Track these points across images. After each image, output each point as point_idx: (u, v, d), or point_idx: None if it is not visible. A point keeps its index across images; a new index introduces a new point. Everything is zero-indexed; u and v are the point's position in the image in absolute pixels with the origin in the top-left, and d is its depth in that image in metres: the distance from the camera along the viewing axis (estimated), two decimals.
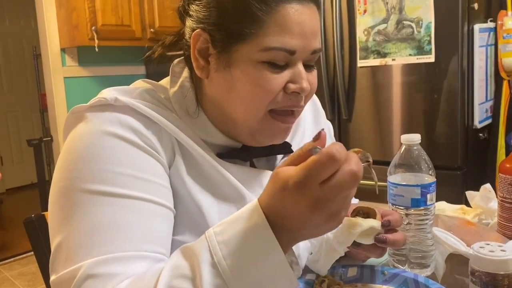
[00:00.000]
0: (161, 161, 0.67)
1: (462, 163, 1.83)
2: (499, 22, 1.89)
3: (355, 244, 0.67)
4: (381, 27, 1.89)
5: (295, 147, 0.82)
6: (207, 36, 0.67)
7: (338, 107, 2.10)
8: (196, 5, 0.69)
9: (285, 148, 0.79)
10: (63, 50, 3.04)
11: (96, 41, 2.83)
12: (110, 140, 0.63)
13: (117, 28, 2.94)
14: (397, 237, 0.67)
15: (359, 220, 0.65)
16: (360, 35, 1.97)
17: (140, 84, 0.75)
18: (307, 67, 0.69)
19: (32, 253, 0.87)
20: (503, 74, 1.92)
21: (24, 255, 3.20)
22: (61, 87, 3.06)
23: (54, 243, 0.61)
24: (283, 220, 0.52)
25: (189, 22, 0.71)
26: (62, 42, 3.01)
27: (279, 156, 0.82)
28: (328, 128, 0.95)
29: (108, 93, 0.67)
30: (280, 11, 0.64)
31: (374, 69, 1.97)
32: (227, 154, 0.73)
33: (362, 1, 1.93)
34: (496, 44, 1.91)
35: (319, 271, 0.72)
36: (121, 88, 0.71)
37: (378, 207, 0.71)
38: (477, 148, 1.91)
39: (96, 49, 2.85)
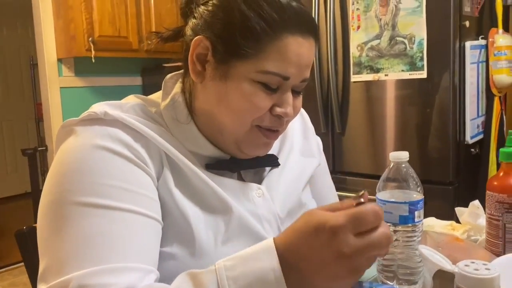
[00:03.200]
0: (149, 174, 0.68)
1: (454, 178, 1.84)
2: (490, 40, 1.92)
3: None
4: (374, 43, 1.92)
5: (282, 160, 0.84)
6: (209, 44, 0.69)
7: (332, 121, 2.12)
8: (203, 10, 0.71)
9: (272, 161, 0.82)
10: (59, 60, 3.05)
11: (93, 52, 2.84)
12: (100, 153, 0.64)
13: (114, 39, 2.96)
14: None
15: None
16: (353, 51, 1.99)
17: (131, 99, 0.77)
18: (295, 92, 0.74)
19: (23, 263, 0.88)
20: (494, 91, 1.95)
21: (15, 266, 3.18)
22: (57, 97, 3.07)
23: (43, 255, 0.61)
24: (301, 262, 0.52)
25: (192, 23, 0.73)
26: (59, 52, 3.03)
27: (267, 169, 0.83)
28: (318, 143, 0.97)
29: (98, 108, 0.69)
30: (284, 40, 0.67)
31: (367, 84, 2.00)
32: (215, 165, 0.75)
33: (356, 17, 1.96)
34: (487, 61, 1.94)
35: None
36: (111, 103, 0.73)
37: None
38: (468, 163, 1.92)
39: (93, 60, 2.86)
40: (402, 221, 0.75)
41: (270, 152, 0.82)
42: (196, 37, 0.70)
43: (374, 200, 0.57)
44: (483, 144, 1.95)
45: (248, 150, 0.75)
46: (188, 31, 0.73)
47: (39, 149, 3.28)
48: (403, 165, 0.78)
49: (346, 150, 2.11)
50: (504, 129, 2.02)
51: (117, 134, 0.66)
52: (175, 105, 0.74)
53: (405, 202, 0.75)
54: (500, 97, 1.97)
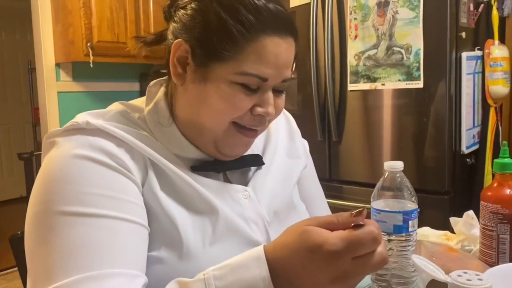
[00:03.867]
0: (133, 180, 0.68)
1: (449, 188, 1.85)
2: (486, 51, 1.94)
3: None
4: (372, 52, 1.93)
5: (267, 161, 0.85)
6: (188, 48, 0.70)
7: (329, 129, 2.13)
8: (182, 13, 0.72)
9: (257, 161, 0.82)
10: (58, 65, 3.06)
11: (91, 57, 2.85)
12: (81, 162, 0.64)
13: (112, 45, 2.97)
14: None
15: None
16: (351, 60, 2.01)
17: (115, 106, 0.78)
18: (277, 91, 0.74)
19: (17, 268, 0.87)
20: (490, 101, 1.96)
21: (9, 271, 3.16)
22: (54, 102, 3.07)
23: (30, 266, 0.62)
24: (292, 278, 0.51)
25: (172, 27, 0.74)
26: (57, 57, 3.03)
27: (252, 170, 0.83)
28: (304, 146, 0.97)
29: (81, 117, 0.70)
30: (261, 41, 0.68)
31: (364, 93, 2.01)
32: (200, 167, 0.75)
33: (354, 27, 1.98)
34: (483, 72, 1.95)
35: None
36: (94, 112, 0.74)
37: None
38: (464, 173, 1.93)
39: (91, 65, 2.87)
40: (396, 230, 0.75)
41: (254, 153, 0.83)
42: (176, 41, 0.71)
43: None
44: (478, 155, 1.96)
45: (226, 150, 0.75)
46: (169, 34, 0.74)
47: (35, 153, 3.28)
48: (398, 175, 0.78)
49: (343, 159, 2.11)
50: (500, 139, 2.03)
51: (99, 143, 0.67)
52: (157, 110, 0.75)
53: (399, 212, 0.75)
54: (496, 107, 1.98)
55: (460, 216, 1.05)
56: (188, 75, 0.71)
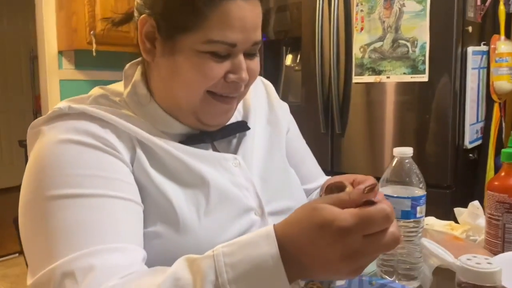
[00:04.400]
0: (121, 159, 0.68)
1: (451, 182, 1.85)
2: (492, 46, 1.93)
3: None
4: (377, 45, 1.92)
5: (250, 130, 0.84)
6: (153, 22, 0.71)
7: (332, 121, 2.12)
8: None
9: (242, 127, 0.83)
10: (60, 52, 3.05)
11: (94, 45, 2.84)
12: (66, 146, 0.65)
13: (115, 33, 2.93)
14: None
15: None
16: (356, 52, 2.00)
17: (95, 90, 0.78)
18: (249, 55, 0.74)
19: (17, 255, 0.87)
20: (494, 97, 1.96)
21: (8, 257, 3.16)
22: (56, 90, 3.05)
23: (27, 253, 0.63)
24: (303, 256, 0.50)
25: (137, 4, 0.74)
26: (59, 44, 3.02)
27: (238, 138, 0.84)
28: (284, 108, 0.97)
29: (62, 103, 0.70)
30: (223, 6, 0.68)
31: (368, 85, 2.00)
32: (188, 141, 0.76)
33: (360, 19, 1.97)
34: (488, 67, 1.95)
35: None
36: (74, 98, 0.74)
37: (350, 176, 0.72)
38: (466, 168, 1.93)
39: (94, 53, 2.86)
40: (404, 216, 0.75)
41: (237, 120, 0.84)
42: (141, 17, 0.71)
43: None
44: (481, 150, 1.96)
45: (208, 119, 0.75)
46: (135, 12, 0.75)
47: None
48: (407, 161, 0.78)
49: (345, 151, 2.11)
50: (503, 135, 2.03)
51: (83, 126, 0.67)
52: (136, 90, 0.76)
53: (407, 197, 0.75)
54: (500, 103, 1.98)
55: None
56: (157, 49, 0.72)
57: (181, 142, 0.75)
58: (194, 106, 0.73)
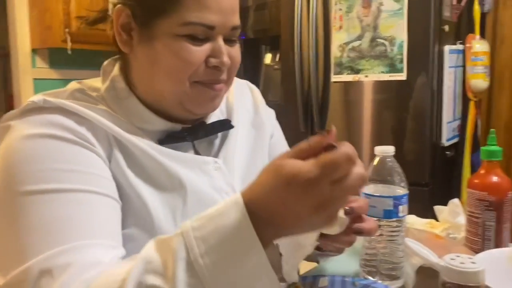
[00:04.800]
0: (98, 153, 0.66)
1: (429, 180, 1.87)
2: (467, 45, 1.96)
3: (321, 235, 0.66)
4: (356, 43, 1.93)
5: (233, 133, 0.82)
6: (129, 12, 0.69)
7: (311, 120, 2.12)
8: None
9: (225, 125, 0.80)
10: (34, 51, 2.96)
11: (69, 43, 2.77)
12: (41, 140, 0.62)
13: (91, 31, 2.87)
14: (371, 225, 0.67)
15: None
16: (335, 51, 2.00)
17: (72, 85, 0.75)
18: (229, 41, 0.72)
19: None
20: (470, 95, 1.99)
21: None
22: (29, 89, 2.97)
23: (1, 250, 0.60)
24: (274, 217, 0.49)
25: None
26: (33, 42, 2.94)
27: (220, 140, 0.81)
28: (268, 115, 0.95)
29: (37, 97, 0.67)
30: None
31: (347, 84, 2.01)
32: (168, 139, 0.73)
33: (338, 18, 1.97)
34: (464, 66, 1.98)
35: (289, 274, 0.72)
36: (50, 92, 0.71)
37: None
38: (444, 165, 1.96)
39: (69, 52, 2.79)
40: (386, 215, 0.75)
41: (220, 119, 0.81)
42: (116, 7, 0.70)
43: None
44: (458, 147, 1.99)
45: (195, 108, 0.73)
46: (110, 5, 0.73)
47: None
48: (388, 159, 0.78)
49: None
50: (479, 133, 2.07)
51: (59, 120, 0.65)
52: (114, 85, 0.74)
53: (389, 196, 0.75)
54: (475, 101, 2.01)
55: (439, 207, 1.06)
56: (134, 39, 0.70)
57: (161, 140, 0.73)
58: (178, 95, 0.71)
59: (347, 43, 1.96)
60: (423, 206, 1.83)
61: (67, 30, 2.76)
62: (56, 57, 3.04)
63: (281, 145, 0.98)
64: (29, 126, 0.64)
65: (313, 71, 2.05)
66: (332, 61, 2.02)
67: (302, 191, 0.47)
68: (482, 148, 0.90)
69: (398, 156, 2.02)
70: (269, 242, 0.51)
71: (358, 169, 0.48)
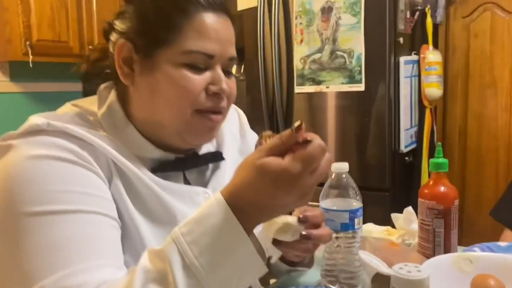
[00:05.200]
0: (100, 176, 0.67)
1: (390, 185, 1.95)
2: (421, 55, 2.06)
3: (276, 242, 0.71)
4: (316, 56, 2.00)
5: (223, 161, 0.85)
6: (130, 46, 0.72)
7: (277, 130, 2.18)
8: (120, 19, 0.75)
9: (217, 157, 0.84)
10: None
11: (31, 56, 2.73)
12: (46, 161, 0.63)
13: (53, 44, 2.86)
14: (322, 232, 0.72)
15: (274, 218, 0.68)
16: (297, 63, 2.07)
17: (69, 108, 0.76)
18: (226, 73, 0.75)
19: None
20: (425, 103, 2.09)
21: None
22: None
23: (2, 273, 0.59)
24: (263, 210, 0.56)
25: (113, 37, 0.75)
26: None
27: (210, 170, 0.84)
28: (253, 137, 0.98)
29: (39, 119, 0.67)
30: (197, 18, 0.71)
31: (310, 95, 2.07)
32: (160, 168, 0.75)
33: (299, 31, 2.04)
34: (419, 75, 2.07)
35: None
36: (50, 114, 0.72)
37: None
38: (403, 171, 2.04)
39: (30, 65, 2.75)
40: (343, 228, 0.80)
41: (211, 151, 0.84)
42: (118, 42, 0.72)
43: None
44: (416, 153, 2.09)
45: (193, 138, 0.75)
46: (111, 44, 0.76)
47: None
48: (344, 175, 0.83)
49: None
50: (435, 139, 2.17)
51: (62, 143, 0.65)
52: (111, 112, 0.75)
53: (346, 210, 0.80)
54: (431, 109, 2.11)
55: (400, 211, 1.12)
56: (136, 71, 0.72)
57: (154, 168, 0.74)
58: (178, 125, 0.72)
59: (308, 56, 2.02)
60: (384, 210, 1.92)
61: (28, 43, 2.73)
62: (17, 70, 2.98)
63: None
64: (33, 147, 0.63)
65: (277, 83, 2.11)
66: (295, 73, 2.08)
67: (289, 185, 0.54)
68: (431, 160, 0.96)
69: (360, 163, 2.10)
70: (252, 230, 0.57)
71: (327, 155, 0.57)
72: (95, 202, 0.64)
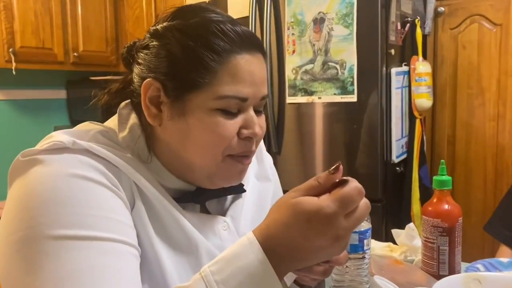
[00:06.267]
0: (124, 200, 0.65)
1: (382, 196, 1.96)
2: (412, 66, 2.08)
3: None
4: (308, 67, 2.00)
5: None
6: (159, 85, 0.68)
7: (269, 140, 2.17)
8: (145, 54, 0.70)
9: (239, 188, 0.80)
10: None
11: (14, 63, 2.67)
12: (76, 181, 0.60)
13: (37, 51, 2.81)
14: (340, 255, 0.69)
15: None
16: (289, 74, 2.06)
17: (87, 126, 0.73)
18: (257, 112, 0.72)
19: None
20: (416, 113, 2.11)
21: None
22: None
23: None
24: (293, 251, 0.53)
25: (137, 70, 0.71)
26: None
27: (229, 197, 0.82)
28: (269, 162, 0.97)
29: (63, 137, 0.64)
30: (232, 61, 0.66)
31: (302, 105, 2.07)
32: (181, 199, 0.73)
33: (291, 42, 2.03)
34: (409, 86, 2.09)
35: None
36: (72, 131, 0.69)
37: None
38: (394, 181, 2.06)
39: (14, 72, 2.69)
40: (353, 249, 0.79)
41: None
42: (145, 81, 0.68)
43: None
44: (406, 163, 2.10)
45: (223, 182, 0.73)
46: (135, 77, 0.72)
47: None
48: None
49: (283, 169, 2.15)
50: (425, 148, 2.19)
51: (90, 162, 0.63)
52: (133, 139, 0.72)
53: (355, 232, 0.79)
54: (421, 119, 2.13)
55: (392, 222, 1.13)
56: (165, 113, 0.69)
57: (175, 198, 0.72)
58: (210, 170, 0.70)
59: (300, 67, 2.02)
60: (377, 221, 1.93)
61: (11, 49, 2.67)
62: (0, 77, 2.92)
63: (279, 193, 0.97)
64: (60, 165, 0.60)
65: (269, 94, 2.10)
66: (287, 83, 2.07)
67: (323, 226, 0.52)
68: (434, 177, 0.96)
69: (352, 174, 2.10)
70: (284, 275, 0.55)
71: (364, 200, 0.55)
72: (119, 229, 0.61)
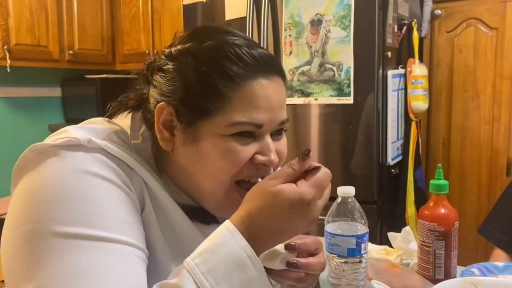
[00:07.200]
0: (135, 202, 0.65)
1: (377, 198, 1.96)
2: (408, 69, 2.09)
3: (267, 270, 0.67)
4: (305, 68, 2.00)
5: None
6: (172, 110, 0.67)
7: None
8: (161, 77, 0.69)
9: None
10: None
11: (8, 61, 2.66)
12: (89, 178, 0.59)
13: (32, 48, 2.79)
14: (311, 261, 0.70)
15: None
16: (286, 75, 2.06)
17: (103, 124, 0.72)
18: (276, 135, 0.70)
19: None
20: (411, 116, 2.11)
21: None
22: None
23: (13, 284, 0.55)
24: (276, 236, 0.59)
25: (153, 92, 0.70)
26: None
27: None
28: None
29: (78, 133, 0.63)
30: (246, 87, 0.64)
31: (298, 107, 2.07)
32: (189, 214, 0.72)
33: (288, 43, 2.03)
34: (406, 89, 2.10)
35: None
36: (89, 128, 0.68)
37: None
38: (389, 183, 2.06)
39: (8, 69, 2.67)
40: (350, 253, 0.79)
41: None
42: (158, 105, 0.67)
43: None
44: (402, 165, 2.11)
45: (228, 211, 0.67)
46: (151, 98, 0.70)
47: None
48: (350, 199, 0.82)
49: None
50: (420, 151, 2.20)
51: (105, 160, 0.62)
52: (145, 152, 0.71)
53: (352, 236, 0.79)
54: (416, 122, 2.14)
55: (387, 224, 1.13)
56: (177, 138, 0.67)
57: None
58: (218, 198, 0.68)
59: (297, 68, 2.02)
60: (372, 223, 1.92)
61: (5, 47, 2.65)
62: None
63: None
64: (77, 160, 0.60)
65: None
66: None
67: (305, 211, 0.57)
68: (431, 181, 0.97)
69: (348, 176, 2.09)
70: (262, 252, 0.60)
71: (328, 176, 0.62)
72: (127, 231, 0.60)
